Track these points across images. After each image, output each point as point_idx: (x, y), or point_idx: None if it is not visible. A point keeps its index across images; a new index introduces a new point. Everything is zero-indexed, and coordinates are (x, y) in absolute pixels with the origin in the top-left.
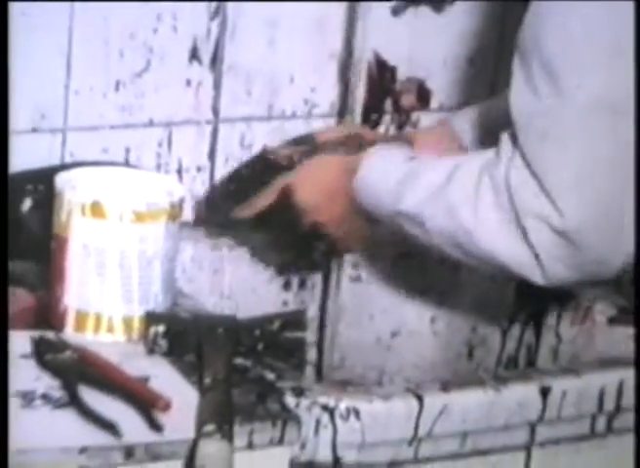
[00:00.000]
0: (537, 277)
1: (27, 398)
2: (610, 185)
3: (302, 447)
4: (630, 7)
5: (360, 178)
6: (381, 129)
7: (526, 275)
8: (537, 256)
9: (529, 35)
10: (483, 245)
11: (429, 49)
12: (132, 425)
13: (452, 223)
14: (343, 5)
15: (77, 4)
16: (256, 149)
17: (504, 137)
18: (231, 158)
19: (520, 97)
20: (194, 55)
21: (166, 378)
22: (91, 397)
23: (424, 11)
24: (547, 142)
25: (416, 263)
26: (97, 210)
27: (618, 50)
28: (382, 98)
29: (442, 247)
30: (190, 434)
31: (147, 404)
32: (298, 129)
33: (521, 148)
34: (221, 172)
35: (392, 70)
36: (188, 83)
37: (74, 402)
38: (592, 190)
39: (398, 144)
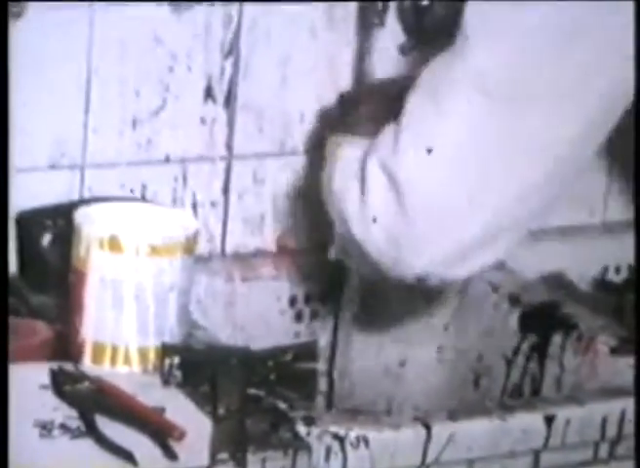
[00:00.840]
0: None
1: (46, 428)
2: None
3: None
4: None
5: None
6: None
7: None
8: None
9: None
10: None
11: None
12: (148, 454)
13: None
14: (352, 43)
15: (95, 43)
16: (268, 185)
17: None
18: (244, 193)
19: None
20: (209, 93)
21: (181, 408)
22: (108, 427)
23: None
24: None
25: (421, 295)
26: (114, 244)
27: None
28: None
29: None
30: (204, 462)
31: (163, 433)
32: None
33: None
34: (235, 207)
35: None
36: (203, 121)
37: (92, 431)
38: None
39: None
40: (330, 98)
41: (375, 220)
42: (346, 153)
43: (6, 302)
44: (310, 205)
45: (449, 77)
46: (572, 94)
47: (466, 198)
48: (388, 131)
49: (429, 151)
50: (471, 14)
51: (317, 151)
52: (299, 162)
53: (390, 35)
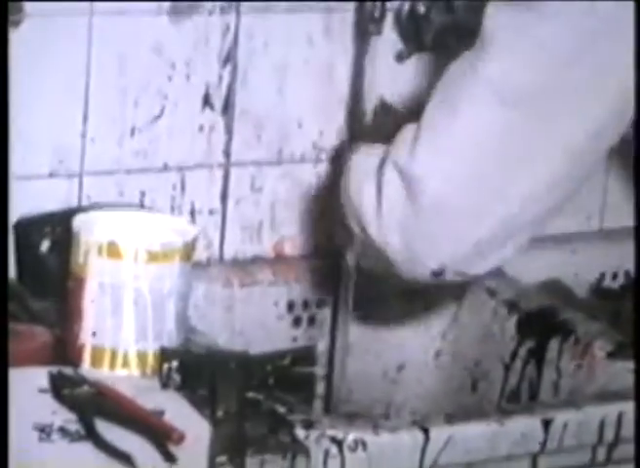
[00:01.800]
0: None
1: (45, 431)
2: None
3: None
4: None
5: None
6: None
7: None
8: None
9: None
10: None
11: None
12: (147, 457)
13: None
14: (350, 51)
15: (94, 53)
16: (266, 192)
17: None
18: (242, 201)
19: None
20: (207, 101)
21: (179, 412)
22: (107, 430)
23: (429, 57)
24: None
25: (418, 300)
26: (112, 250)
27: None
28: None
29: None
30: (203, 465)
31: (162, 436)
32: (306, 173)
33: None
34: (233, 214)
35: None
36: (201, 128)
37: (91, 435)
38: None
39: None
40: (327, 107)
41: (389, 221)
42: (363, 158)
43: (5, 307)
44: (309, 212)
45: (466, 83)
46: (584, 101)
47: (481, 199)
48: (405, 133)
49: (445, 153)
50: (489, 22)
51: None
52: (296, 170)
53: (387, 43)
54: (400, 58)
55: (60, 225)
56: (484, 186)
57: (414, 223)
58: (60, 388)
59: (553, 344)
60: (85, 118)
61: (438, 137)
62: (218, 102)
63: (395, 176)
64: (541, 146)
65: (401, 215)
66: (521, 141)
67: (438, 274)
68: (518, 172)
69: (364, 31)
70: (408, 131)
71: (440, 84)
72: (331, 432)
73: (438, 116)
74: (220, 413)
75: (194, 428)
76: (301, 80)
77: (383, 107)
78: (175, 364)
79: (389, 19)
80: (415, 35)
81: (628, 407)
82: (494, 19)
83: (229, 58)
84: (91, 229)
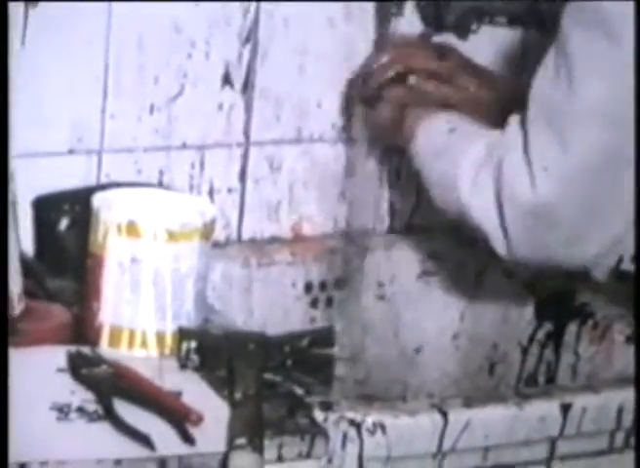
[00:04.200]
0: (500, 247)
1: (63, 411)
2: (590, 186)
3: (330, 460)
4: None
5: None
6: None
7: (492, 242)
8: (504, 228)
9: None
10: (464, 201)
11: None
12: (165, 438)
13: (450, 183)
14: (371, 31)
15: (114, 30)
16: (285, 172)
17: (514, 121)
18: (261, 180)
19: (543, 80)
20: (226, 80)
21: (198, 393)
22: (125, 410)
23: (448, 38)
24: (552, 131)
25: (437, 281)
26: (132, 229)
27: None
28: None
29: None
30: (222, 447)
31: (180, 417)
32: (325, 152)
33: (526, 130)
34: (252, 193)
35: None
36: (220, 107)
37: (109, 415)
38: (572, 181)
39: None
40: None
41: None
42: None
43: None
44: (328, 191)
45: (566, 109)
46: None
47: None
48: (512, 162)
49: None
50: (577, 46)
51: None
52: (315, 149)
53: (408, 24)
54: (421, 38)
55: (78, 203)
56: (604, 190)
57: (551, 240)
58: (78, 368)
59: (571, 328)
60: (104, 95)
61: (550, 159)
62: (237, 81)
63: (518, 206)
64: None
65: (535, 237)
66: (625, 161)
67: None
68: (628, 172)
69: (385, 12)
70: (514, 157)
71: (533, 105)
72: (350, 415)
73: (544, 139)
74: (238, 395)
75: (212, 409)
76: (321, 60)
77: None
78: (193, 344)
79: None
80: (436, 16)
81: None
82: (576, 40)
83: (250, 37)
84: (110, 208)
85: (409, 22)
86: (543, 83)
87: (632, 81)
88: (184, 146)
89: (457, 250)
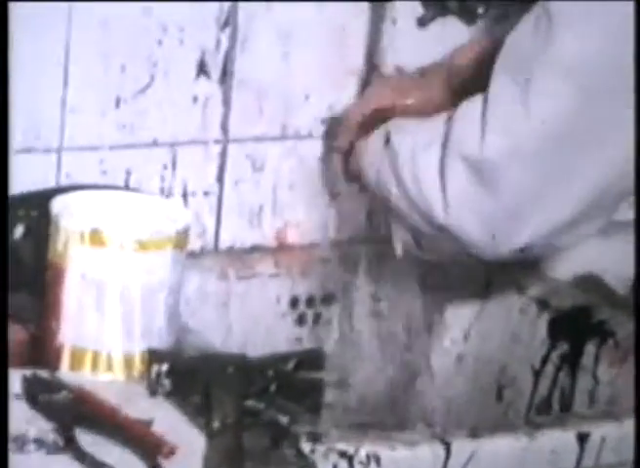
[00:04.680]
0: (439, 215)
1: (19, 442)
2: (544, 158)
3: None
4: None
5: None
6: None
7: (431, 211)
8: (445, 191)
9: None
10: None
11: None
12: None
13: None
14: (366, 15)
15: (75, 13)
16: (268, 172)
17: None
18: (241, 181)
19: (519, 32)
20: (202, 69)
21: (170, 421)
22: (88, 441)
23: (454, 22)
24: (517, 85)
25: (440, 297)
26: (96, 238)
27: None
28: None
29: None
30: None
31: (150, 449)
32: (314, 150)
33: (489, 86)
34: (231, 197)
35: None
36: (195, 99)
37: (70, 446)
38: (526, 146)
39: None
40: (337, 76)
41: (460, 205)
42: (407, 138)
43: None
44: (317, 194)
45: (537, 60)
46: None
47: (557, 180)
48: (467, 111)
49: (518, 134)
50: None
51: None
52: (302, 147)
53: (407, 6)
54: (422, 22)
55: (35, 209)
56: (560, 167)
57: (490, 207)
58: (35, 394)
59: (590, 348)
60: (64, 87)
61: (509, 116)
62: (214, 70)
63: (461, 161)
64: (616, 130)
65: (474, 199)
66: (595, 123)
67: (524, 250)
68: (594, 154)
69: None
70: (470, 109)
71: (503, 58)
72: (340, 446)
73: (506, 93)
74: (215, 424)
75: (186, 440)
76: (309, 46)
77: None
78: (165, 367)
79: None
80: None
81: None
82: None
83: (228, 21)
84: (71, 214)
85: (408, 3)
86: (519, 35)
87: (611, 49)
88: (155, 144)
89: (462, 260)
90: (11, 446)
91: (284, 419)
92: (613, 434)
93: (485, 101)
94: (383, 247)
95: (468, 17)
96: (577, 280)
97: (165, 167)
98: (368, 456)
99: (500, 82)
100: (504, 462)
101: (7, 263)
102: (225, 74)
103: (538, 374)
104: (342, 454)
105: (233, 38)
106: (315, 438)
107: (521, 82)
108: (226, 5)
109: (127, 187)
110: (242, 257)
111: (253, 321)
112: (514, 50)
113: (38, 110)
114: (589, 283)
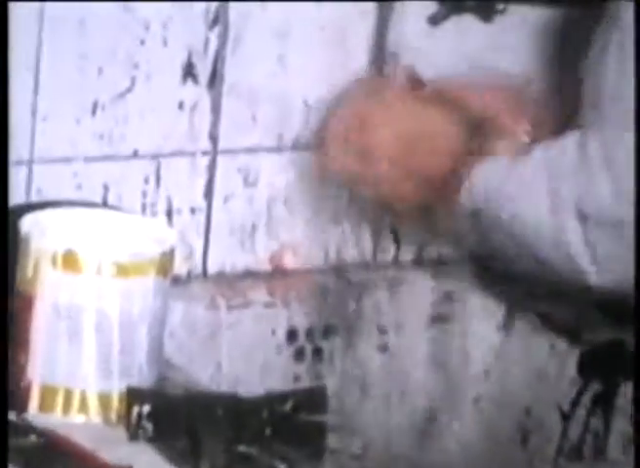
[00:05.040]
0: (588, 272)
1: None
2: None
3: None
4: None
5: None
6: None
7: (576, 267)
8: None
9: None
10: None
11: (475, 65)
12: None
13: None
14: (370, 14)
15: (48, 9)
16: (262, 187)
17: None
18: (232, 198)
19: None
20: (189, 71)
21: None
22: None
23: (470, 20)
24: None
25: (454, 328)
26: (70, 261)
27: None
28: None
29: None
30: None
31: None
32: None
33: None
34: (220, 214)
35: None
36: (181, 106)
37: None
38: None
39: None
40: (340, 80)
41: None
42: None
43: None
44: (318, 213)
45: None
46: None
47: None
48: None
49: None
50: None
51: None
52: (301, 159)
53: (418, 3)
54: (434, 20)
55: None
56: None
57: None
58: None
59: (625, 388)
60: (35, 92)
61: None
62: (202, 73)
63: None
64: None
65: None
66: None
67: None
68: None
69: None
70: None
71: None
72: None
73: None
74: None
75: None
76: (308, 47)
77: (413, 82)
78: (146, 408)
79: None
80: None
81: None
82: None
83: (218, 19)
84: (43, 233)
85: (419, 3)
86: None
87: None
88: (136, 155)
89: (480, 289)
90: None
91: (281, 467)
92: None
93: (605, 155)
94: (391, 272)
95: (485, 14)
96: (611, 309)
97: (147, 181)
98: None
99: (613, 130)
100: None
101: (7, 267)
102: (215, 78)
103: (567, 418)
104: None
105: (223, 37)
106: None
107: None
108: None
109: (105, 204)
110: (233, 284)
111: (245, 356)
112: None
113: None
114: (625, 313)
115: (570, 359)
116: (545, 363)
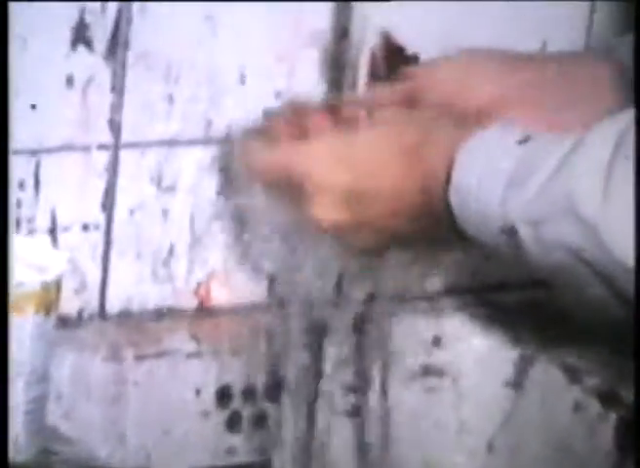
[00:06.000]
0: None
1: None
2: None
3: None
4: None
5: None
6: None
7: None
8: None
9: None
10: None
11: (463, 32)
12: None
13: (572, 222)
14: None
15: None
16: (182, 192)
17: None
18: (140, 208)
19: None
20: (80, 37)
21: None
22: None
23: None
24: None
25: (446, 384)
26: None
27: None
28: None
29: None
30: None
31: None
32: None
33: None
34: (124, 230)
35: (410, 59)
36: (70, 81)
37: None
38: None
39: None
40: (290, 48)
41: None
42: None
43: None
44: (261, 228)
45: None
46: None
47: None
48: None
49: None
50: None
51: None
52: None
53: None
54: None
55: None
56: None
57: None
58: None
59: None
60: None
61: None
62: (99, 39)
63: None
64: None
65: None
66: None
67: None
68: None
69: None
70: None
71: None
72: None
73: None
74: None
75: None
76: (246, 5)
77: (390, 49)
78: None
79: None
80: None
81: None
82: None
83: None
84: None
85: None
86: None
87: None
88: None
89: (482, 331)
90: None
91: None
92: None
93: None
94: (363, 308)
95: None
96: None
97: (22, 186)
98: None
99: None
100: None
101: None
102: (116, 44)
103: None
104: None
105: None
106: None
107: None
108: None
109: None
110: (142, 326)
111: (159, 424)
112: None
113: None
114: None
115: (604, 426)
116: (570, 431)
